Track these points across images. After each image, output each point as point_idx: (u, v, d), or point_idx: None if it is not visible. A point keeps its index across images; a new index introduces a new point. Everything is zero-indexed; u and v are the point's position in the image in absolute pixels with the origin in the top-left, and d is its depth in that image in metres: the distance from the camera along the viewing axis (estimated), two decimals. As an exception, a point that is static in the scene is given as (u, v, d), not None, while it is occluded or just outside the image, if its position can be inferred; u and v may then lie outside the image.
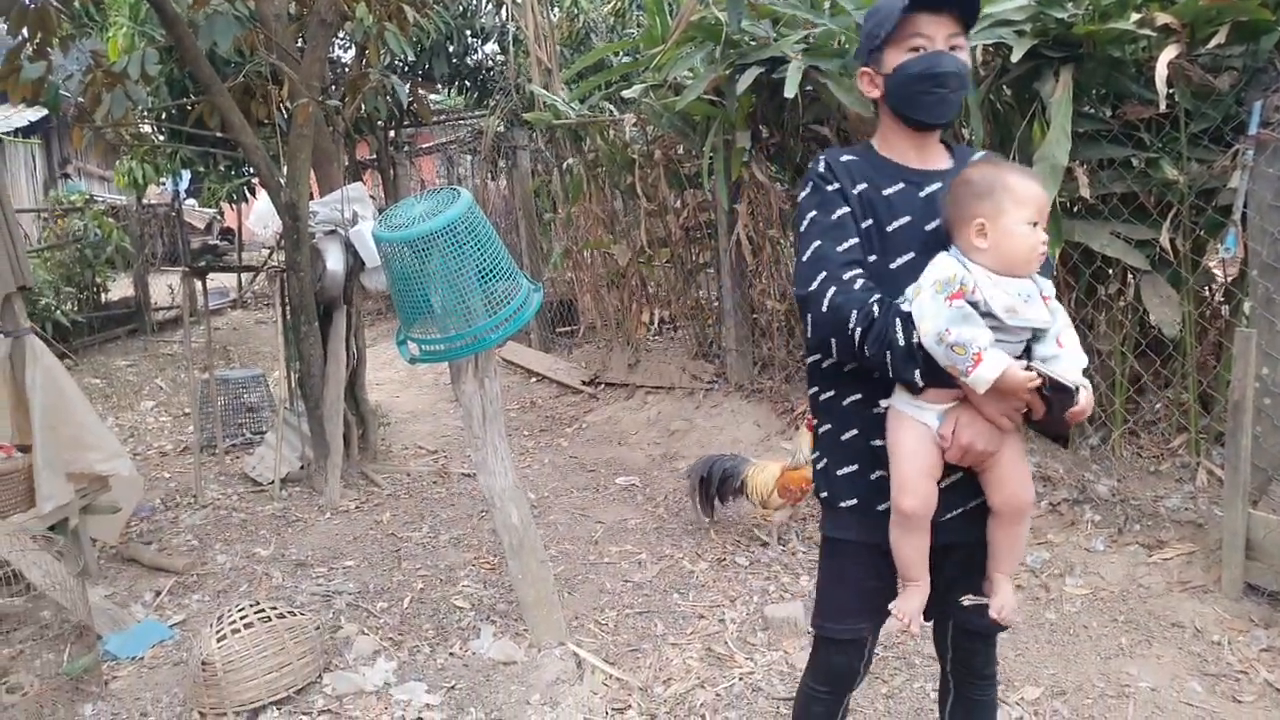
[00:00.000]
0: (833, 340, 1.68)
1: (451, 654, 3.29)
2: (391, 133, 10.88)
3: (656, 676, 3.10)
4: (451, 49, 10.19)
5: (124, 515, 4.16)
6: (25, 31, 4.05)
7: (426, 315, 2.95)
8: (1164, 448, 4.01)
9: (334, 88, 7.33)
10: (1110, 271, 3.80)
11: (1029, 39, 3.46)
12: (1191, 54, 3.28)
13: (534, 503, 4.98)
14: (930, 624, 2.00)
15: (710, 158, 5.36)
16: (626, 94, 6.10)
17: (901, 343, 1.59)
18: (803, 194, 1.81)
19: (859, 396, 1.77)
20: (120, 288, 11.73)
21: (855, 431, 1.79)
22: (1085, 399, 1.55)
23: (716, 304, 6.61)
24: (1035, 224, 1.60)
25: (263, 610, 2.97)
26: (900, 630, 2.96)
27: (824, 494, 1.88)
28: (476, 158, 10.28)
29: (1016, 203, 1.58)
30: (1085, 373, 1.60)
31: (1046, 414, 1.59)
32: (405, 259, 2.85)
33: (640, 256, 7.06)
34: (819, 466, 1.88)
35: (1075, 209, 3.80)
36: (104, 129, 5.30)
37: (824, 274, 1.68)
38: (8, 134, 15.11)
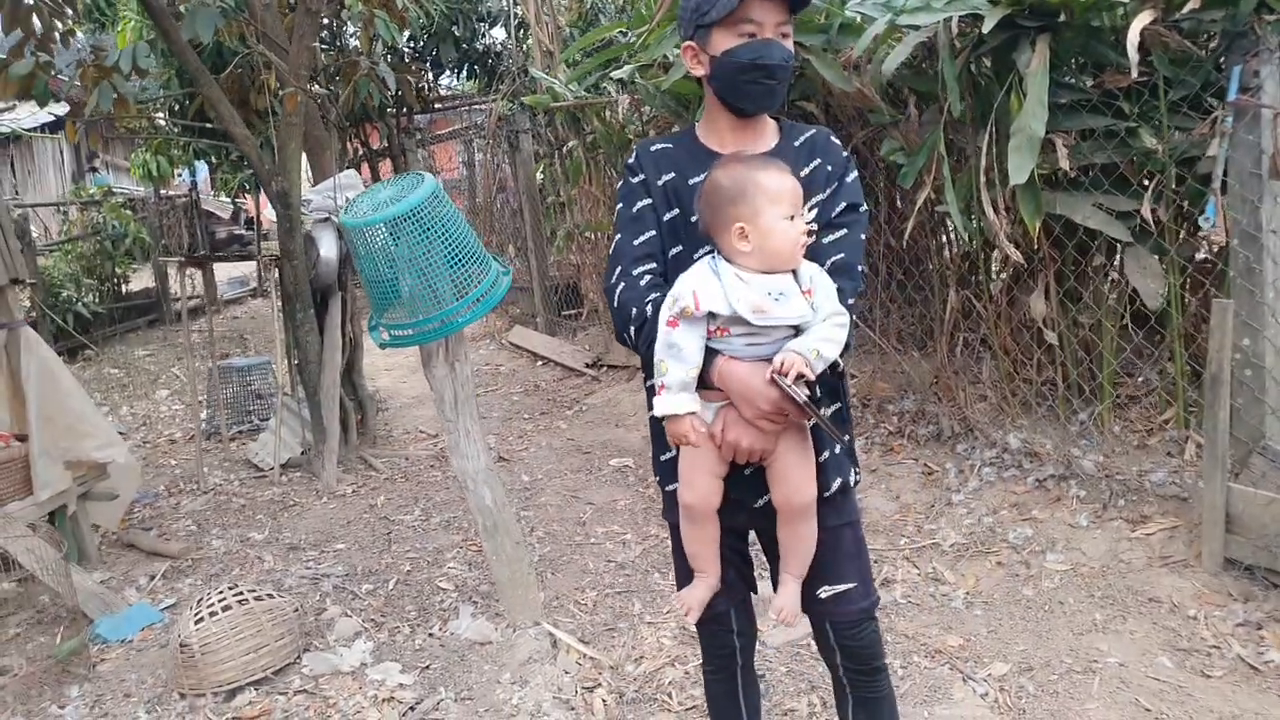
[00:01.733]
0: (624, 336, 1.73)
1: (431, 635, 3.34)
2: (404, 120, 10.93)
3: (629, 655, 3.13)
4: (459, 34, 10.21)
5: (123, 502, 4.26)
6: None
7: (396, 301, 2.98)
8: (1153, 422, 3.96)
9: (336, 76, 7.37)
10: (1094, 244, 3.74)
11: (1002, 8, 3.40)
12: (1169, 20, 3.21)
13: (526, 485, 5.03)
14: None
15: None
16: (615, 74, 6.07)
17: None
18: (619, 185, 1.84)
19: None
20: (141, 279, 11.93)
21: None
22: (789, 362, 1.53)
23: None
24: (792, 217, 1.58)
25: (241, 594, 3.03)
26: (679, 622, 3.13)
27: (656, 478, 1.92)
28: (482, 143, 10.31)
29: (771, 200, 1.56)
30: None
31: (803, 415, 1.59)
32: (371, 244, 2.88)
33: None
34: (650, 452, 1.93)
35: (1058, 180, 3.73)
36: (97, 121, 5.36)
37: (619, 269, 1.73)
38: (34, 130, 15.36)
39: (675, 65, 4.95)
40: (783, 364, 1.53)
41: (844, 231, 1.70)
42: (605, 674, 3.01)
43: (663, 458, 1.85)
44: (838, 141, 1.82)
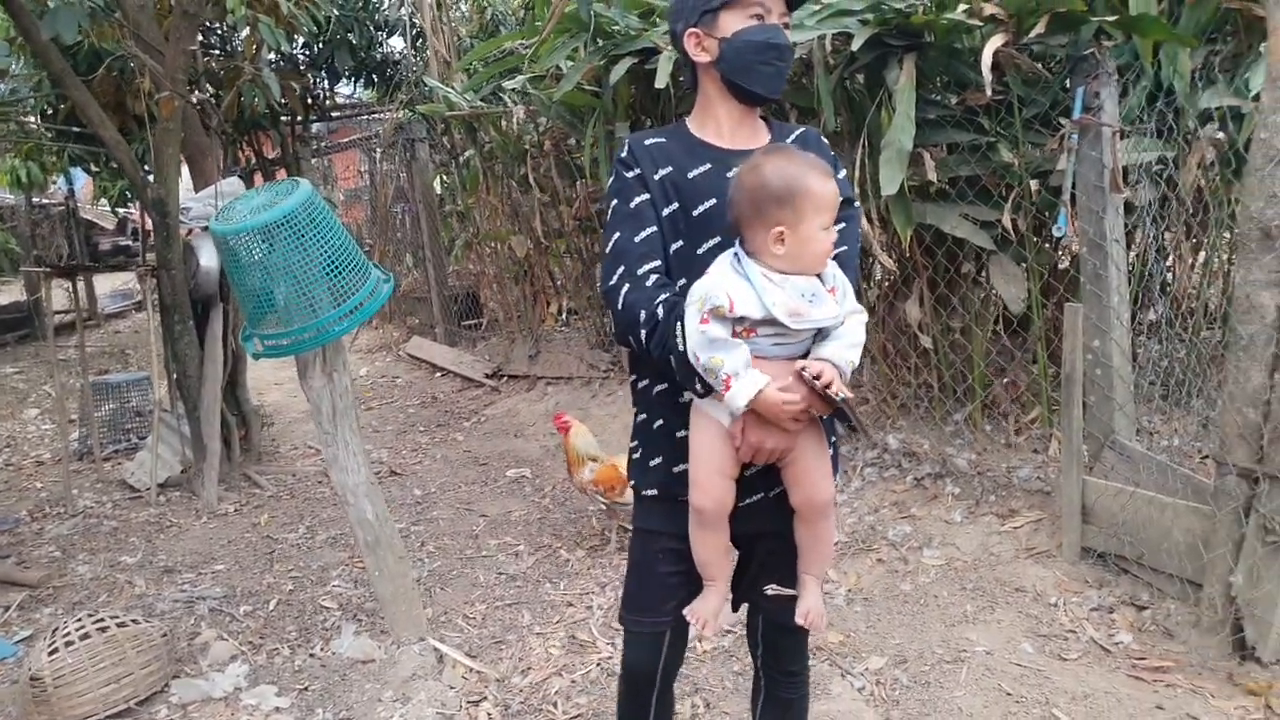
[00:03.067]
0: (629, 339, 1.66)
1: (312, 655, 3.26)
2: (298, 128, 10.65)
3: (516, 667, 3.12)
4: (355, 41, 10.01)
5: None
6: None
7: (270, 310, 2.90)
8: (1020, 420, 4.17)
9: (220, 81, 7.14)
10: (962, 252, 3.91)
11: (871, 28, 3.55)
12: (1020, 43, 3.40)
13: (419, 499, 4.96)
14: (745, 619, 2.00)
15: (593, 148, 5.37)
16: (508, 84, 6.07)
17: (680, 350, 1.56)
18: (610, 181, 1.77)
19: (665, 386, 1.75)
20: (10, 292, 11.29)
21: (662, 420, 1.77)
22: (827, 375, 1.52)
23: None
24: (828, 227, 1.56)
25: (102, 621, 2.90)
26: (696, 635, 3.01)
27: (634, 482, 1.86)
28: (378, 153, 10.14)
29: (817, 209, 1.52)
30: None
31: (832, 410, 1.59)
32: (243, 251, 2.80)
33: (539, 248, 7.05)
34: (634, 455, 1.85)
35: (928, 191, 3.90)
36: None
37: (622, 268, 1.65)
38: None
39: (567, 75, 4.98)
40: (821, 375, 1.51)
41: (843, 225, 1.66)
42: (491, 687, 3.00)
43: (650, 463, 1.79)
44: (825, 139, 1.83)
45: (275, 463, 5.72)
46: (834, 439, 1.80)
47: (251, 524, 4.67)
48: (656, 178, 1.69)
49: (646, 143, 1.73)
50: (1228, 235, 3.76)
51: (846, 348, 1.57)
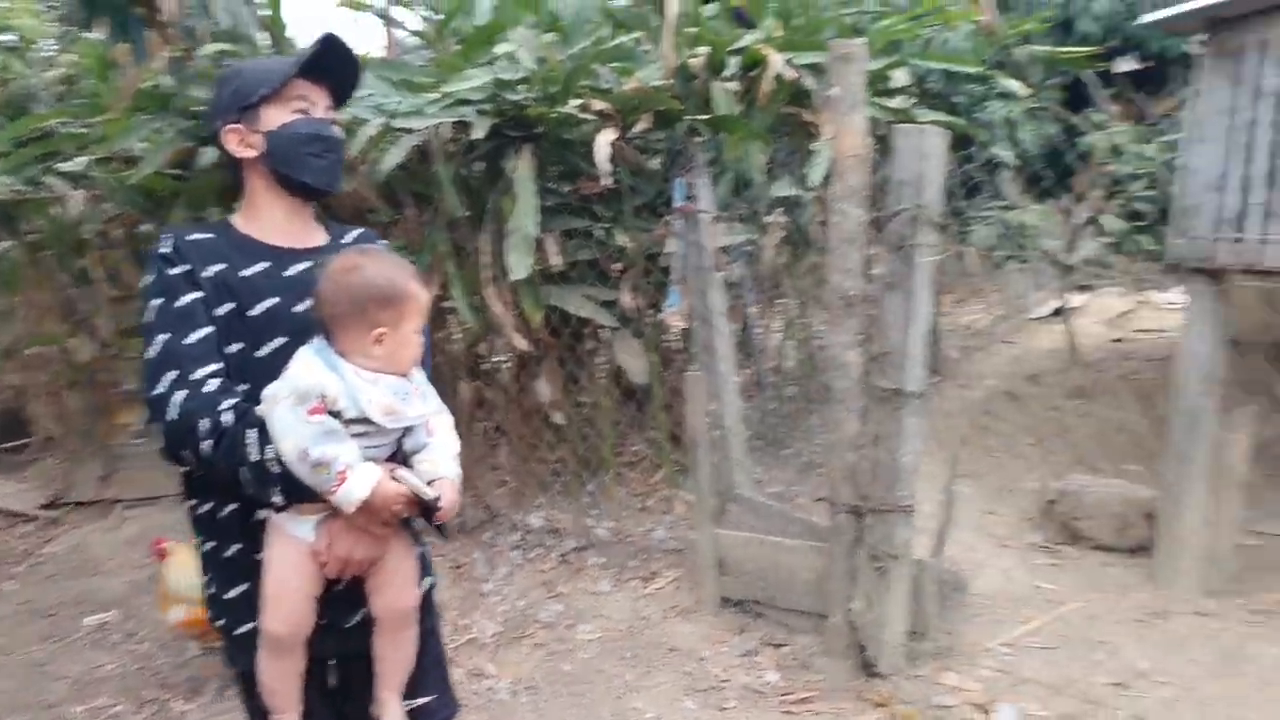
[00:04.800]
0: (184, 452, 1.50)
1: None
2: None
3: None
4: None
5: None
6: None
7: None
8: (649, 484, 4.43)
9: None
10: (586, 330, 4.11)
11: (490, 118, 3.64)
12: (628, 136, 3.71)
13: (-37, 671, 3.92)
14: None
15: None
16: (63, 168, 5.28)
17: (255, 458, 1.46)
18: (146, 279, 1.60)
19: (237, 506, 1.60)
20: None
21: (239, 546, 1.61)
22: (449, 498, 1.53)
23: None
24: (419, 330, 1.58)
25: None
26: None
27: (219, 621, 1.67)
28: None
29: (416, 312, 1.55)
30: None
31: (422, 514, 1.56)
32: None
33: (106, 350, 6.10)
34: (210, 591, 1.67)
35: (552, 274, 4.06)
36: None
37: (173, 373, 1.51)
38: None
39: (147, 158, 4.43)
40: (440, 499, 1.50)
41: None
42: None
43: (228, 595, 1.60)
44: (385, 241, 1.81)
45: None
46: (424, 545, 1.78)
47: None
48: (206, 275, 1.59)
49: (190, 238, 1.63)
50: (804, 303, 4.39)
51: (451, 460, 1.59)
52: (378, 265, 1.54)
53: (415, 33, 4.43)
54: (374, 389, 1.49)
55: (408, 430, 1.57)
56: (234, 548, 1.61)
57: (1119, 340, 6.58)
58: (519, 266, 3.57)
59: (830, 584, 3.08)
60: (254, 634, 1.58)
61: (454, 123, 3.70)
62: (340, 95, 1.71)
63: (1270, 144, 3.40)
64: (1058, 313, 6.33)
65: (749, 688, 3.12)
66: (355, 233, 1.80)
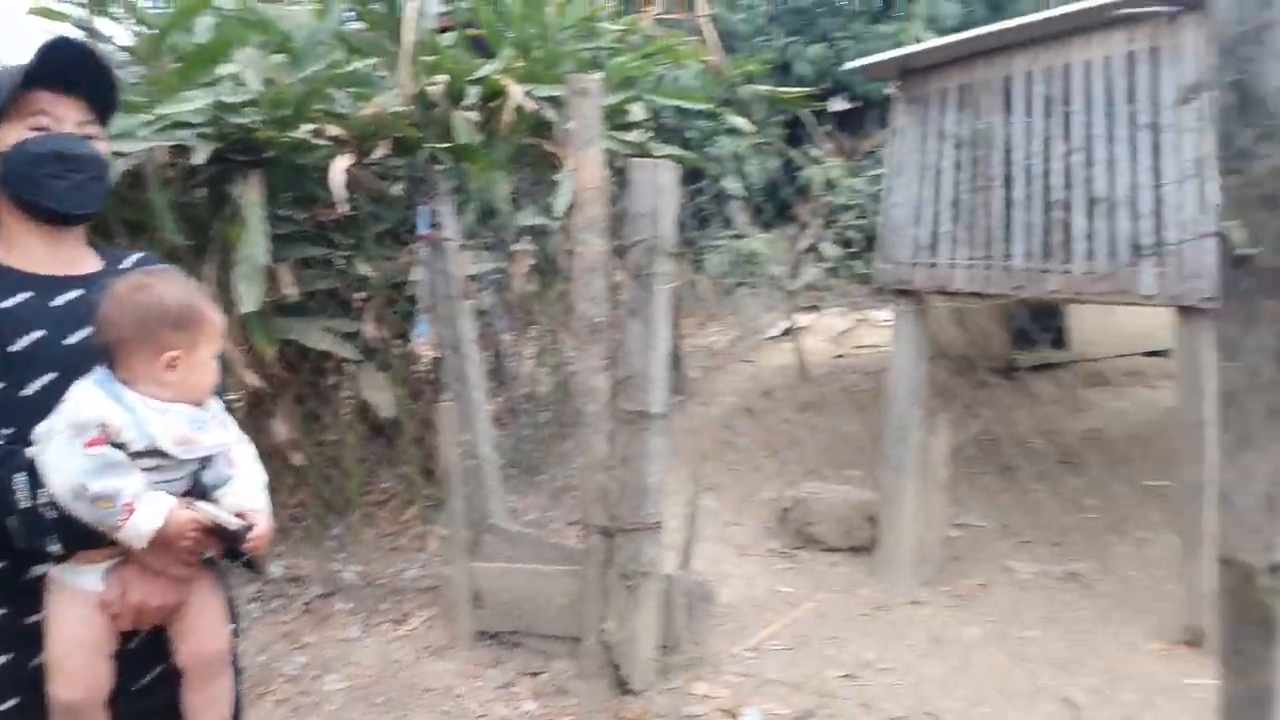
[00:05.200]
0: None
1: None
2: None
3: None
4: None
5: None
6: None
7: None
8: (400, 522, 4.28)
9: None
10: (328, 364, 3.92)
11: (212, 142, 3.40)
12: (365, 163, 3.59)
13: None
14: None
15: None
16: None
17: (25, 504, 1.31)
18: None
19: (4, 564, 1.40)
20: None
21: (5, 611, 1.42)
22: (261, 527, 1.43)
23: None
24: (215, 356, 1.49)
25: None
26: None
27: None
28: None
29: (211, 336, 1.45)
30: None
31: (227, 548, 1.45)
32: None
33: None
34: None
35: (287, 306, 3.84)
36: None
37: None
38: None
39: None
40: (249, 529, 1.38)
41: None
42: None
43: (33, 663, 1.39)
44: (167, 266, 1.64)
45: None
46: (228, 590, 1.65)
47: None
48: None
49: None
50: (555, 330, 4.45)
51: (258, 491, 1.48)
52: (168, 285, 1.44)
53: (124, 48, 4.04)
54: (165, 418, 1.37)
55: (206, 463, 1.44)
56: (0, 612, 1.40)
57: (841, 356, 7.24)
58: (249, 298, 3.35)
59: (585, 606, 3.12)
60: (20, 710, 1.39)
61: (171, 147, 3.41)
62: (103, 107, 1.53)
63: (954, 181, 3.89)
64: (787, 333, 6.87)
65: (507, 720, 3.09)
66: (135, 257, 1.63)
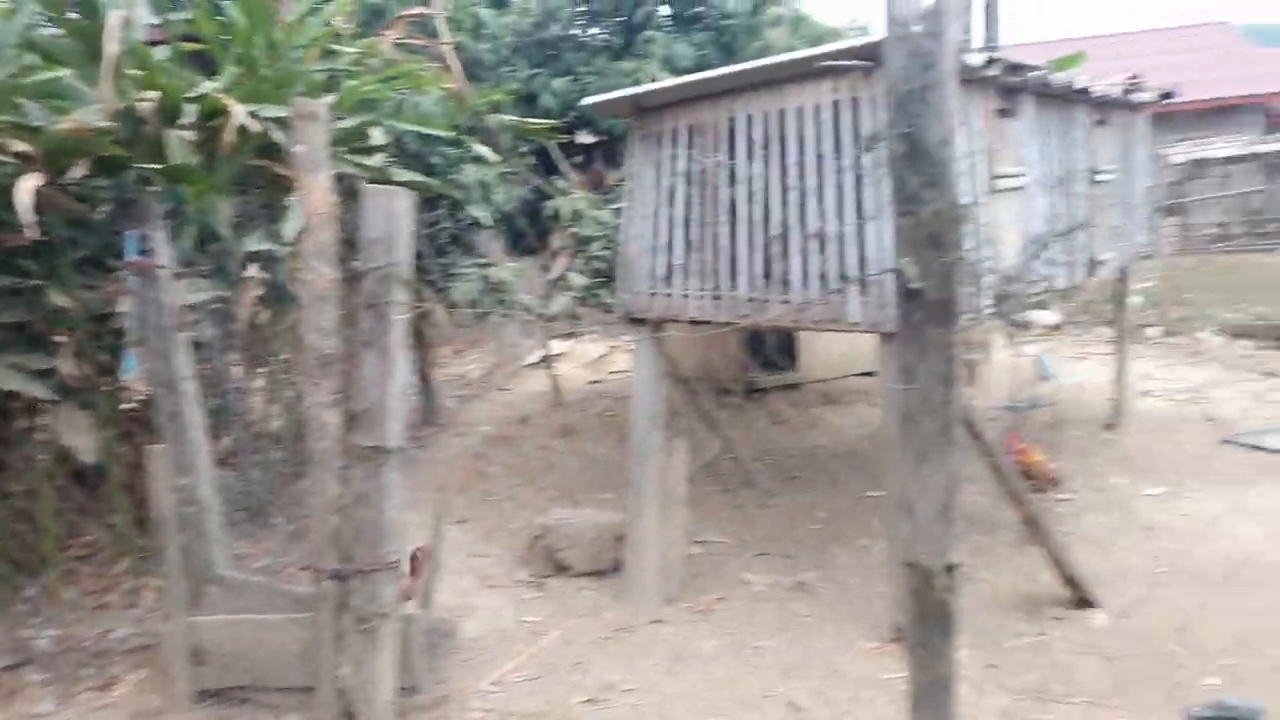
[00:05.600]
0: None
1: None
2: None
3: None
4: None
5: None
6: None
7: None
8: (109, 578, 3.86)
9: None
10: (16, 405, 3.48)
11: None
12: (60, 182, 3.23)
13: None
14: None
15: None
16: None
17: None
18: None
19: None
20: None
21: None
22: None
23: None
24: None
25: None
26: None
27: None
28: None
29: None
30: None
31: None
32: None
33: None
34: None
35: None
36: None
37: None
38: None
39: None
40: None
41: None
42: None
43: None
44: None
45: None
46: None
47: None
48: None
49: None
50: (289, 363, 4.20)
51: None
52: None
53: None
54: None
55: None
56: None
57: (596, 382, 7.40)
58: (-90, 332, 2.91)
59: (318, 654, 2.96)
60: None
61: None
62: None
63: (685, 216, 4.10)
64: (544, 360, 6.93)
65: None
66: None
